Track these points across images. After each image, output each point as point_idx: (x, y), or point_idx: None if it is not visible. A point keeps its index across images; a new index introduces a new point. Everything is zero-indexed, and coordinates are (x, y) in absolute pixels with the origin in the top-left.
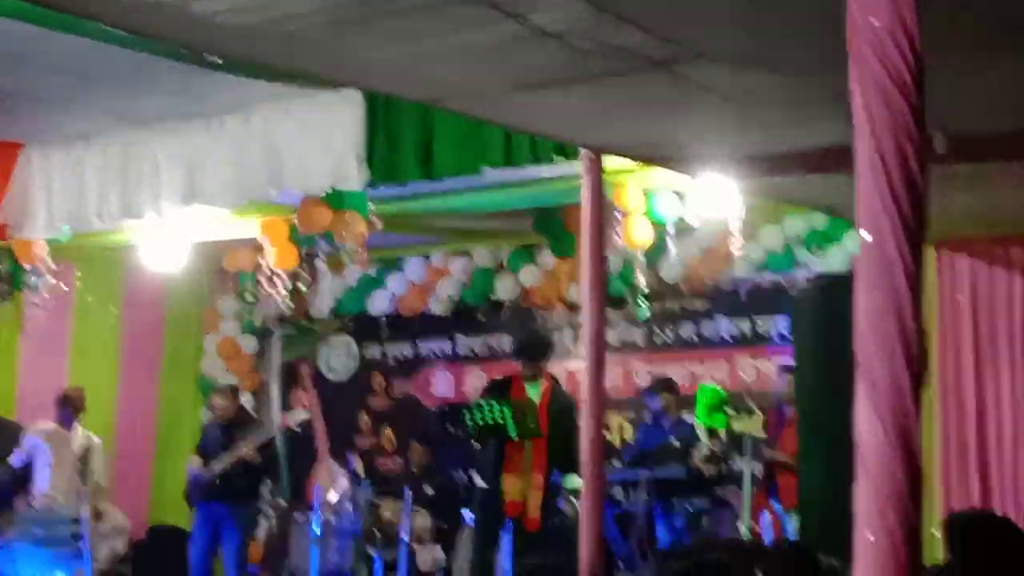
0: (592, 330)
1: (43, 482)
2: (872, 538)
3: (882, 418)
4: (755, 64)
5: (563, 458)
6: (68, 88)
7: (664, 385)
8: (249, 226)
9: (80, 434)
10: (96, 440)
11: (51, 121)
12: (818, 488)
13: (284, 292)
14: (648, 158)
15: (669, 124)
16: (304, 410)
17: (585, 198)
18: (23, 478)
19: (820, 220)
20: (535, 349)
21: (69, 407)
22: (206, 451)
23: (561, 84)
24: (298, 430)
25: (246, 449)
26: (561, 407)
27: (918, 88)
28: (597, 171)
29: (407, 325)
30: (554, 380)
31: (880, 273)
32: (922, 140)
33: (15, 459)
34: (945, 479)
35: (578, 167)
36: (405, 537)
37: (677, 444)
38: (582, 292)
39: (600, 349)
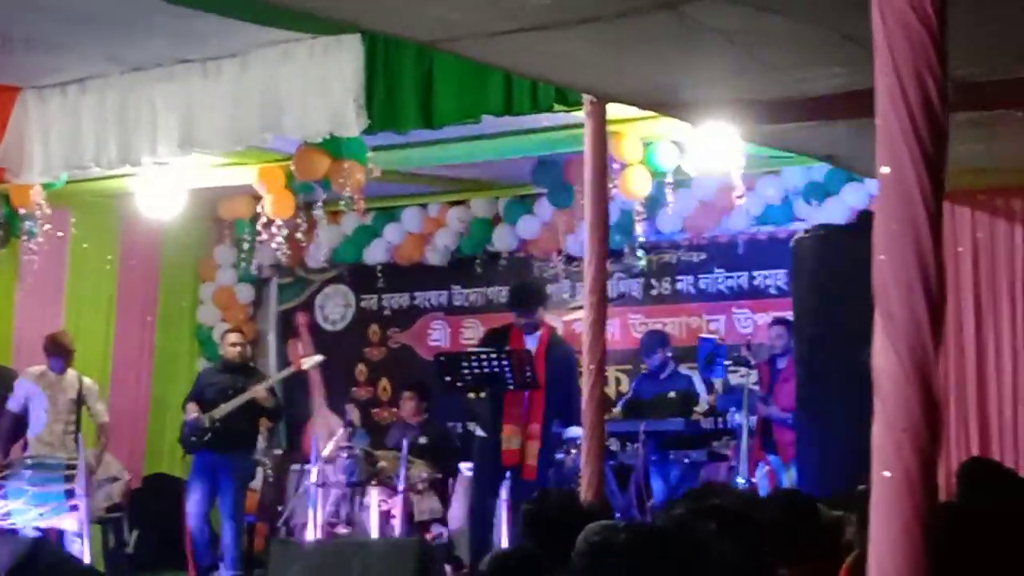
0: (594, 280)
1: (38, 427)
2: (888, 474)
3: (899, 351)
4: (765, 5)
5: (561, 408)
6: (65, 32)
7: (659, 339)
8: (246, 173)
9: (73, 377)
10: (89, 381)
11: (48, 65)
12: (816, 439)
13: (280, 240)
14: (652, 104)
15: (674, 68)
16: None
17: (588, 144)
18: (20, 423)
19: (819, 172)
20: (528, 298)
21: (57, 352)
22: (203, 397)
23: (567, 25)
24: (312, 371)
25: (259, 389)
26: (559, 357)
27: (940, 19)
28: (600, 117)
29: (404, 275)
30: (552, 330)
31: (899, 204)
32: (944, 72)
33: (11, 404)
34: (944, 430)
35: (578, 116)
36: (401, 487)
37: (674, 396)
38: (584, 242)
39: (602, 300)
